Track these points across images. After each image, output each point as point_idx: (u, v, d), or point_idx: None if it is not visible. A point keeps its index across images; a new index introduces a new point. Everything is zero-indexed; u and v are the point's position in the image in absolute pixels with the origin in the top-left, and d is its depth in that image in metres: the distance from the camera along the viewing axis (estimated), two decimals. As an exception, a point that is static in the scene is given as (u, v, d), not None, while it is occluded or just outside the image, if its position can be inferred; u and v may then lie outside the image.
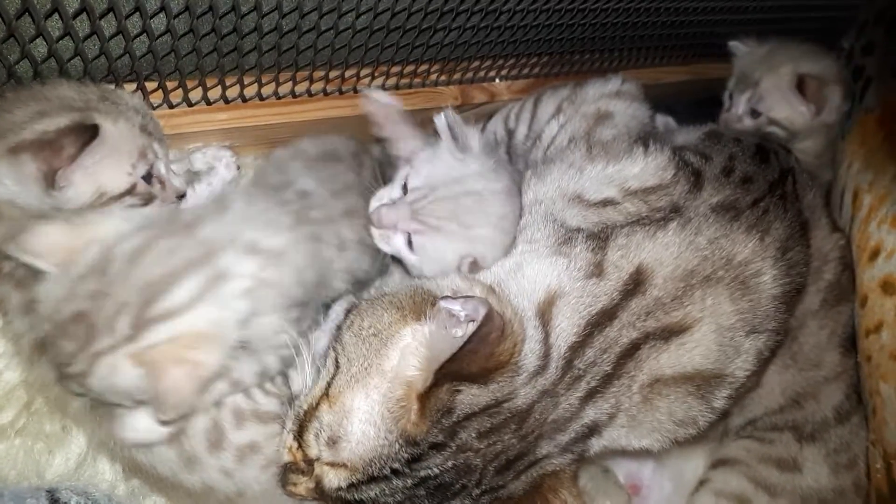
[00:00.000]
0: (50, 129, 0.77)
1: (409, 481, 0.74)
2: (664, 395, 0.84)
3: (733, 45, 1.51)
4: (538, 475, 0.80)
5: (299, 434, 0.80)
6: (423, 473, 0.74)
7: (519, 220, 0.99)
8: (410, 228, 0.96)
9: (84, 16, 0.82)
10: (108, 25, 0.85)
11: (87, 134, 0.78)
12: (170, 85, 1.01)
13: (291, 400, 0.89)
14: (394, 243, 0.99)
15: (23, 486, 0.72)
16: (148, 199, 0.89)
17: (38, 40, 0.84)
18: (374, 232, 1.00)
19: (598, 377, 0.81)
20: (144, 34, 0.89)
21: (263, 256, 0.84)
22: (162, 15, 0.88)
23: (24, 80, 0.89)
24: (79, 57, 0.88)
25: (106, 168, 0.83)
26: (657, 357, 0.83)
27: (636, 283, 0.84)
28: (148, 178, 0.88)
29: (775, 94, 1.39)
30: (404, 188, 1.00)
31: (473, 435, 0.75)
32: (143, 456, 0.88)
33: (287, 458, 0.82)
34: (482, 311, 0.71)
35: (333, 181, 1.03)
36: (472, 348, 0.70)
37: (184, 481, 0.88)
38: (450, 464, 0.74)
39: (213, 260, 0.79)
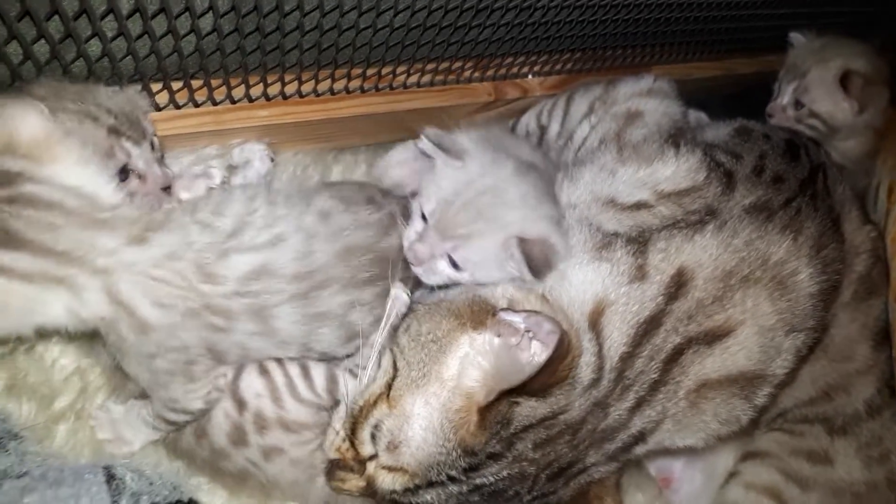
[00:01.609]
0: None
1: (465, 488, 0.76)
2: (710, 399, 0.85)
3: (793, 35, 1.51)
4: (585, 482, 0.83)
5: (352, 432, 0.81)
6: (478, 481, 0.76)
7: (546, 189, 1.00)
8: (447, 249, 0.96)
9: (137, 16, 0.86)
10: (159, 26, 0.89)
11: None
12: (214, 83, 1.04)
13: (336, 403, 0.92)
14: (440, 272, 0.97)
15: (81, 464, 0.76)
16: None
17: (93, 40, 0.88)
18: (418, 271, 0.99)
19: (645, 385, 0.83)
20: (192, 33, 0.92)
21: None
22: (208, 14, 0.91)
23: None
24: (130, 56, 0.92)
25: None
26: (702, 362, 0.84)
27: (678, 285, 0.85)
28: (124, 174, 0.88)
29: (820, 86, 1.40)
30: (423, 218, 1.00)
31: (530, 446, 0.77)
32: (184, 443, 0.92)
33: (334, 455, 0.84)
34: (550, 331, 0.72)
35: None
36: (542, 370, 0.71)
37: (221, 467, 0.91)
38: (505, 473, 0.76)
39: None
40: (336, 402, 0.92)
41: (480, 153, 1.02)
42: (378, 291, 0.94)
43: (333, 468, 0.84)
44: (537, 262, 0.88)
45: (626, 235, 0.90)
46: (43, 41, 0.84)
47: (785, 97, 1.44)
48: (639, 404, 0.82)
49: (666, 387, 0.83)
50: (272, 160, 1.16)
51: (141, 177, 0.90)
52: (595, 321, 0.83)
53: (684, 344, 0.83)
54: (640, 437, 0.84)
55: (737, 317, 0.84)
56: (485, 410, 0.75)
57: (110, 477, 0.74)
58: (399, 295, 0.96)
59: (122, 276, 0.73)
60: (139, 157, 0.89)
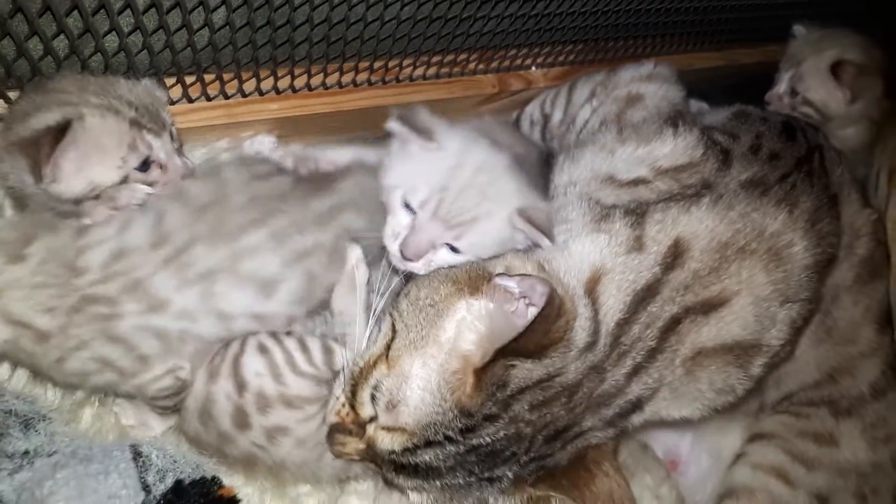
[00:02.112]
0: (38, 128, 0.82)
1: (462, 448, 0.77)
2: (705, 367, 0.86)
3: (795, 27, 1.54)
4: (582, 447, 0.83)
5: (352, 394, 0.83)
6: (475, 442, 0.76)
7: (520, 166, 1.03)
8: (450, 237, 0.95)
9: (153, 11, 0.88)
10: (173, 21, 0.91)
11: (62, 133, 0.81)
12: (226, 77, 1.07)
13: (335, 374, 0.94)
14: (439, 259, 0.96)
15: (109, 442, 0.78)
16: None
17: (110, 35, 0.91)
18: (414, 265, 0.96)
19: (642, 352, 0.83)
20: (206, 27, 0.94)
21: None
22: (221, 9, 0.94)
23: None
24: (146, 50, 0.95)
25: (93, 162, 0.86)
26: (698, 330, 0.85)
27: (675, 255, 0.86)
28: (146, 166, 0.91)
29: (814, 75, 1.42)
30: (409, 209, 0.97)
31: (526, 407, 0.77)
32: (191, 428, 0.93)
33: (335, 419, 0.85)
34: (542, 293, 0.73)
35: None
36: (533, 328, 0.72)
37: (227, 452, 0.92)
38: (502, 433, 0.77)
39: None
40: (335, 374, 0.93)
41: (451, 132, 1.02)
42: (270, 231, 0.93)
43: (333, 432, 0.85)
44: (545, 228, 0.90)
45: (623, 208, 0.91)
46: (62, 36, 0.86)
47: (782, 85, 1.47)
48: (636, 371, 0.83)
49: (663, 354, 0.84)
50: (281, 154, 1.18)
51: (162, 167, 0.93)
52: (591, 288, 0.84)
53: (681, 313, 0.84)
54: (637, 405, 0.85)
55: (732, 287, 0.85)
56: (481, 372, 0.76)
57: (137, 454, 0.77)
58: (355, 250, 1.00)
59: (11, 295, 0.78)
60: (160, 148, 0.91)
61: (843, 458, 1.12)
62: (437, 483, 0.80)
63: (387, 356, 0.81)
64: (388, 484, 0.86)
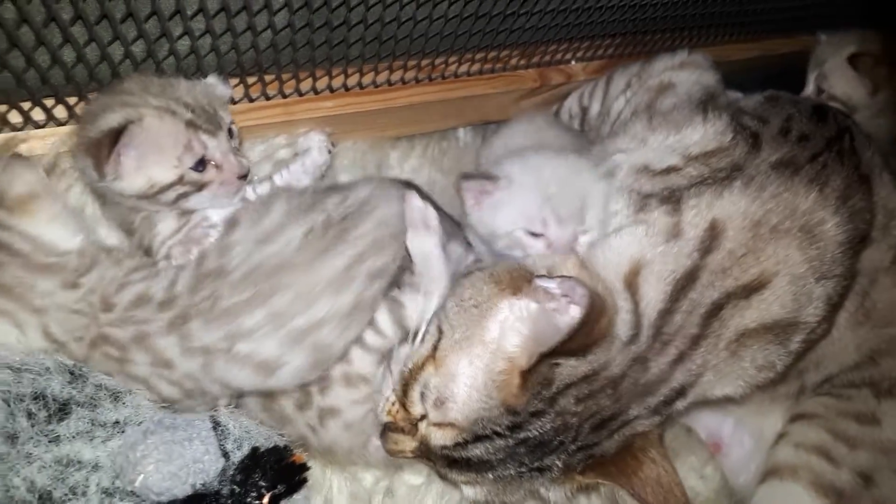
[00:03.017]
0: (103, 128, 0.88)
1: (511, 441, 0.79)
2: (748, 347, 0.88)
3: (819, 34, 1.65)
4: (629, 435, 0.84)
5: (403, 394, 0.85)
6: (523, 436, 0.79)
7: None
8: (577, 233, 1.03)
9: (222, 14, 0.95)
10: (239, 24, 0.98)
11: (119, 134, 0.86)
12: (284, 76, 1.13)
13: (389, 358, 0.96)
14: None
15: (192, 414, 0.85)
16: (200, 186, 0.96)
17: (183, 38, 0.97)
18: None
19: (686, 340, 0.85)
20: (269, 29, 1.01)
21: None
22: (283, 11, 1.00)
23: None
24: (213, 52, 1.02)
25: (151, 161, 0.91)
26: (741, 314, 0.86)
27: (711, 238, 0.88)
28: (201, 165, 0.94)
29: (836, 70, 1.52)
30: (535, 236, 1.04)
31: (572, 401, 0.79)
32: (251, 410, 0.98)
33: (386, 418, 0.88)
34: (583, 294, 0.74)
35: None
36: (576, 332, 0.74)
37: (284, 432, 0.96)
38: (549, 426, 0.79)
39: None
40: (405, 333, 0.95)
41: (502, 165, 1.11)
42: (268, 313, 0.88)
43: (387, 431, 0.88)
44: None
45: (659, 196, 0.94)
46: (140, 40, 0.93)
47: (809, 87, 1.58)
48: (680, 358, 0.85)
49: (706, 340, 0.86)
50: (330, 150, 1.23)
51: (217, 166, 0.97)
52: (631, 282, 0.86)
53: (723, 299, 0.86)
54: (681, 392, 0.87)
55: (771, 268, 0.87)
56: (526, 374, 0.78)
57: (216, 424, 0.82)
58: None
59: (54, 316, 0.84)
60: (215, 148, 0.95)
61: (886, 436, 1.13)
62: (490, 475, 0.82)
63: (434, 356, 0.84)
64: (443, 479, 0.88)
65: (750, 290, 0.87)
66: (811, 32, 1.75)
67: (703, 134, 1.00)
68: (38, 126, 1.01)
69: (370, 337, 0.96)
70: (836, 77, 1.50)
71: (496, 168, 1.11)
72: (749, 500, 1.19)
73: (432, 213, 1.02)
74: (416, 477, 1.10)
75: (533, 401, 0.78)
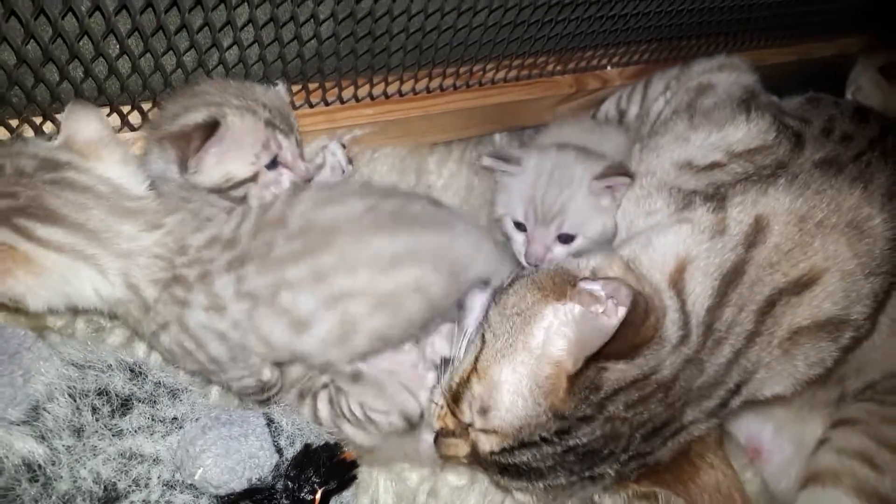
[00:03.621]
0: (188, 124, 0.92)
1: (559, 448, 0.79)
2: (801, 345, 0.86)
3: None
4: (685, 441, 0.83)
5: (454, 401, 0.86)
6: (571, 443, 0.78)
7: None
8: (554, 231, 1.13)
9: (270, 25, 0.98)
10: (287, 34, 1.01)
11: (210, 130, 0.90)
12: (328, 85, 1.16)
13: (443, 366, 0.97)
14: (558, 256, 1.13)
15: (245, 411, 0.87)
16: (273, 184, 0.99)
17: (232, 48, 1.01)
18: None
19: (740, 337, 0.84)
20: (314, 39, 1.04)
21: None
22: (329, 21, 1.02)
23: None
24: (260, 61, 1.05)
25: (231, 157, 0.94)
26: (794, 311, 0.86)
27: (756, 232, 0.87)
28: (274, 165, 0.98)
29: (869, 82, 1.58)
30: (520, 228, 1.17)
31: (621, 407, 0.78)
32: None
33: (439, 424, 0.90)
34: (627, 294, 0.74)
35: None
36: (621, 333, 0.73)
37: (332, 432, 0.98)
38: (598, 433, 0.78)
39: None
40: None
41: (531, 152, 1.21)
42: (304, 273, 0.89)
43: (440, 437, 0.90)
44: (624, 172, 1.06)
45: (703, 193, 0.94)
46: (192, 51, 0.97)
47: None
48: (735, 357, 0.84)
49: (761, 337, 0.85)
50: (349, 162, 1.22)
51: (287, 168, 1.00)
52: (676, 280, 0.85)
53: (775, 295, 0.85)
54: (736, 391, 0.86)
55: (820, 264, 0.86)
56: (573, 378, 0.77)
57: (270, 421, 0.84)
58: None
59: (137, 260, 0.85)
60: (288, 148, 0.99)
61: None
62: (540, 484, 0.82)
63: (476, 367, 0.84)
64: (497, 486, 0.91)
65: (801, 286, 0.87)
66: (849, 35, 1.75)
67: (746, 132, 1.00)
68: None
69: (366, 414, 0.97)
70: (870, 88, 1.55)
71: (526, 155, 1.20)
72: (790, 507, 1.20)
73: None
74: (459, 478, 1.11)
75: (581, 406, 0.77)
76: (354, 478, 0.88)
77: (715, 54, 1.49)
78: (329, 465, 0.84)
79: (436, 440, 0.91)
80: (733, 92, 1.18)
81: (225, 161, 0.93)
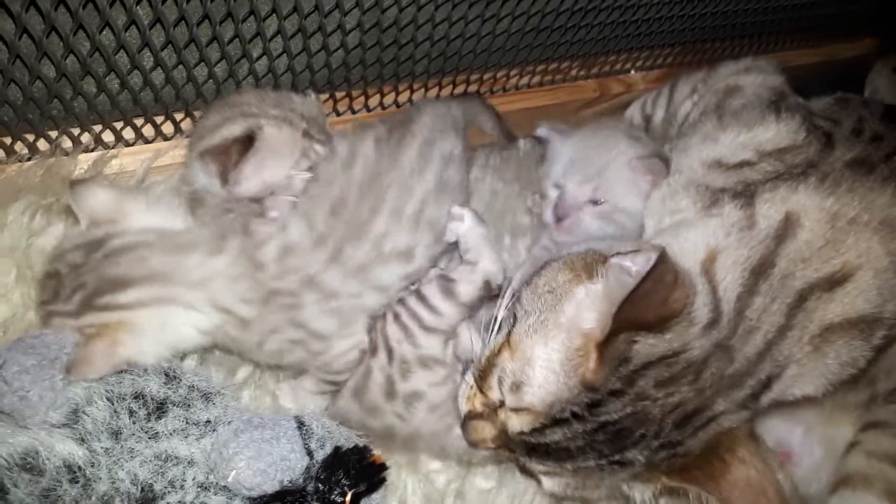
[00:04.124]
0: (227, 137, 0.94)
1: (589, 426, 0.79)
2: (832, 342, 0.86)
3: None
4: (715, 433, 0.83)
5: (481, 379, 0.88)
6: (602, 419, 0.78)
7: None
8: (588, 191, 1.16)
9: (298, 36, 1.00)
10: (315, 43, 1.03)
11: (248, 143, 0.92)
12: (354, 93, 1.18)
13: (466, 362, 0.98)
14: (587, 221, 1.15)
15: (276, 415, 0.89)
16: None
17: (261, 59, 1.03)
18: (566, 232, 1.15)
19: (772, 328, 0.84)
20: (341, 48, 1.06)
21: None
22: (355, 31, 1.05)
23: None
24: (289, 72, 1.07)
25: (271, 167, 0.96)
26: (825, 307, 0.86)
27: (786, 227, 0.88)
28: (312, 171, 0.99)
29: (883, 83, 1.62)
30: (557, 188, 1.19)
31: (651, 383, 0.78)
32: (341, 405, 1.02)
33: (467, 407, 0.90)
34: (654, 255, 0.75)
35: None
36: (647, 289, 0.74)
37: (370, 426, 1.00)
38: (629, 409, 0.78)
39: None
40: (461, 307, 1.01)
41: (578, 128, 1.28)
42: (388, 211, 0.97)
43: (468, 420, 0.90)
44: (660, 175, 1.06)
45: (732, 191, 0.94)
46: (224, 62, 1.00)
47: None
48: (767, 348, 0.84)
49: (792, 331, 0.85)
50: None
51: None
52: (707, 268, 0.86)
53: (806, 290, 0.85)
54: (767, 384, 0.86)
55: (853, 261, 0.86)
56: (602, 347, 0.78)
57: (301, 424, 0.86)
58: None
59: (216, 284, 0.88)
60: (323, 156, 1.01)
61: None
62: (569, 466, 0.82)
63: (508, 342, 0.86)
64: (523, 471, 0.90)
65: (833, 282, 0.86)
66: (874, 36, 1.74)
67: (776, 132, 1.00)
68: (128, 144, 1.08)
69: (429, 318, 1.00)
70: (885, 89, 1.55)
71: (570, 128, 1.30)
72: (821, 510, 1.19)
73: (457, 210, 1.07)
74: (486, 481, 1.12)
75: (611, 377, 0.78)
76: (384, 480, 0.89)
77: (739, 57, 1.50)
78: (359, 467, 0.85)
79: (463, 425, 0.91)
80: (761, 94, 1.19)
81: (264, 171, 0.95)
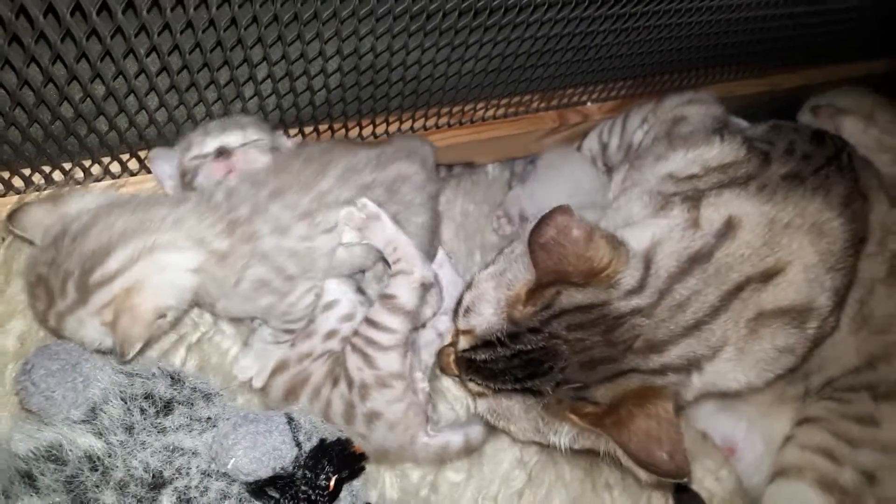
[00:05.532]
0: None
1: (508, 351, 0.94)
2: (767, 326, 0.96)
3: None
4: (624, 388, 0.90)
5: (455, 315, 1.07)
6: (518, 347, 0.93)
7: None
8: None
9: (286, 79, 1.13)
10: (300, 84, 1.16)
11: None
12: (336, 126, 1.31)
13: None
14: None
15: (269, 411, 1.01)
16: None
17: (252, 99, 1.16)
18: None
19: (704, 308, 0.93)
20: (324, 89, 1.19)
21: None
22: (336, 75, 1.18)
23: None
24: (277, 109, 1.20)
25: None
26: (759, 295, 0.96)
27: (727, 228, 0.99)
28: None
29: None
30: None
31: (563, 326, 0.91)
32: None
33: (450, 339, 1.10)
34: (559, 214, 0.90)
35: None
36: (552, 237, 0.89)
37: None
38: (541, 344, 0.91)
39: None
40: (410, 316, 1.11)
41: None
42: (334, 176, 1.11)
43: (443, 349, 1.11)
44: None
45: (682, 195, 1.06)
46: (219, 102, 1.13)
47: None
48: (697, 325, 0.93)
49: (726, 314, 0.94)
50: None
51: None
52: (647, 251, 0.97)
53: (744, 282, 0.95)
54: (696, 363, 0.94)
55: (785, 258, 0.97)
56: (529, 294, 0.93)
57: (290, 419, 0.96)
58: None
59: (188, 222, 0.98)
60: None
61: (885, 437, 1.23)
62: (492, 385, 0.97)
63: (472, 280, 1.06)
64: (464, 388, 1.09)
65: (767, 275, 0.97)
66: (815, 67, 1.89)
67: (720, 150, 1.14)
68: (132, 174, 1.20)
69: (383, 337, 1.08)
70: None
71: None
72: (761, 500, 1.29)
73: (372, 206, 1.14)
74: (457, 474, 1.23)
75: (532, 318, 0.92)
76: (363, 468, 1.00)
77: (687, 88, 1.65)
78: (341, 456, 0.96)
79: (438, 354, 1.14)
80: (706, 122, 1.33)
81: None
